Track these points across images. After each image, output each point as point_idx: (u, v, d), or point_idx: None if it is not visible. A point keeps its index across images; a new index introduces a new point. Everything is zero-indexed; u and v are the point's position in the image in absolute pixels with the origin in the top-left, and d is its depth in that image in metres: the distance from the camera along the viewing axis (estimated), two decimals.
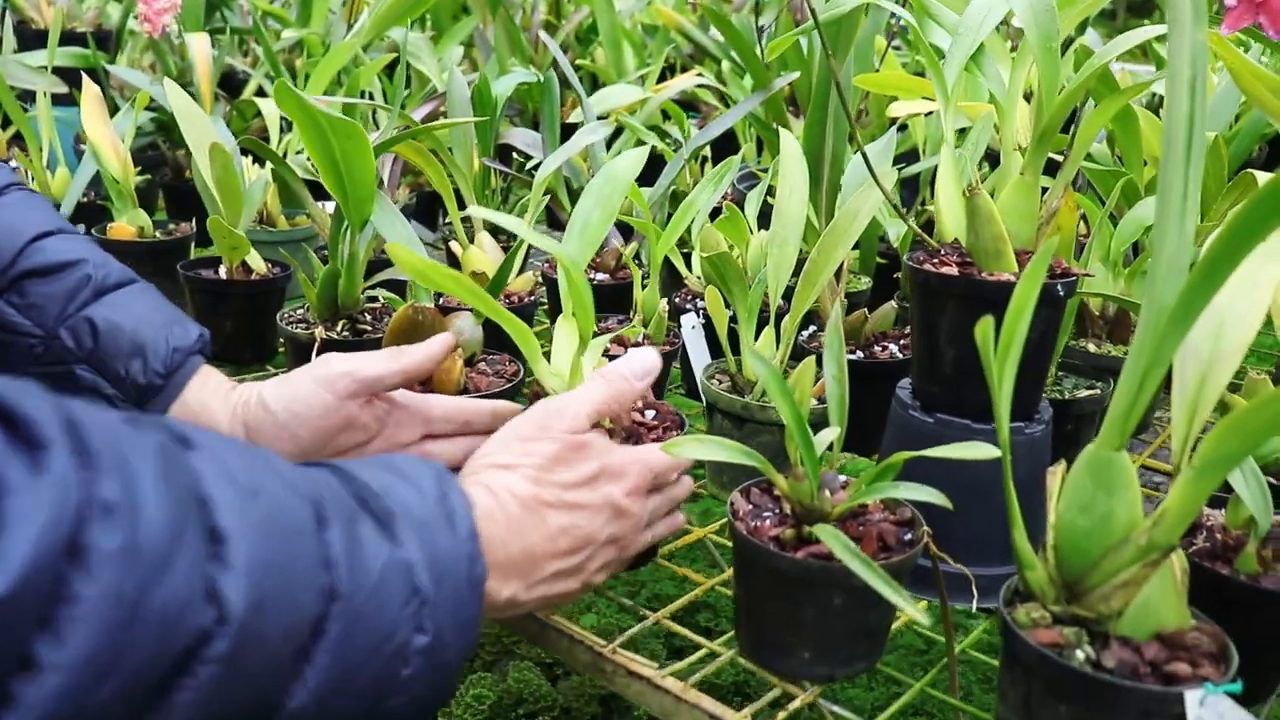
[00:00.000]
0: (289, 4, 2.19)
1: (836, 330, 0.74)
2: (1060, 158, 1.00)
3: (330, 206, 1.46)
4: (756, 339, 0.95)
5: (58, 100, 1.67)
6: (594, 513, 0.67)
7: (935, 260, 0.80)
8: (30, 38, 1.89)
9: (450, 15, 2.13)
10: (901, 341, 1.05)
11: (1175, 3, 0.56)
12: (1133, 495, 0.57)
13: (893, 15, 1.08)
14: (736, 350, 0.96)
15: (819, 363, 0.88)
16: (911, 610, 0.57)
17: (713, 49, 1.85)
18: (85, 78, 1.44)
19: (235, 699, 0.43)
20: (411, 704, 0.51)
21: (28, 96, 1.74)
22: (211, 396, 0.79)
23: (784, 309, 0.92)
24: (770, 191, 1.16)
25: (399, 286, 1.16)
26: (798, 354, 0.97)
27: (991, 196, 0.81)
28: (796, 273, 0.91)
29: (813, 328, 1.09)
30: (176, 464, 0.44)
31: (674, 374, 1.16)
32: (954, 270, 0.78)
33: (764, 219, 1.15)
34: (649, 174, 1.81)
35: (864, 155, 0.83)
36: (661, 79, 1.90)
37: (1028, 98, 1.01)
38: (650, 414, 0.82)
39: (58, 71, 1.77)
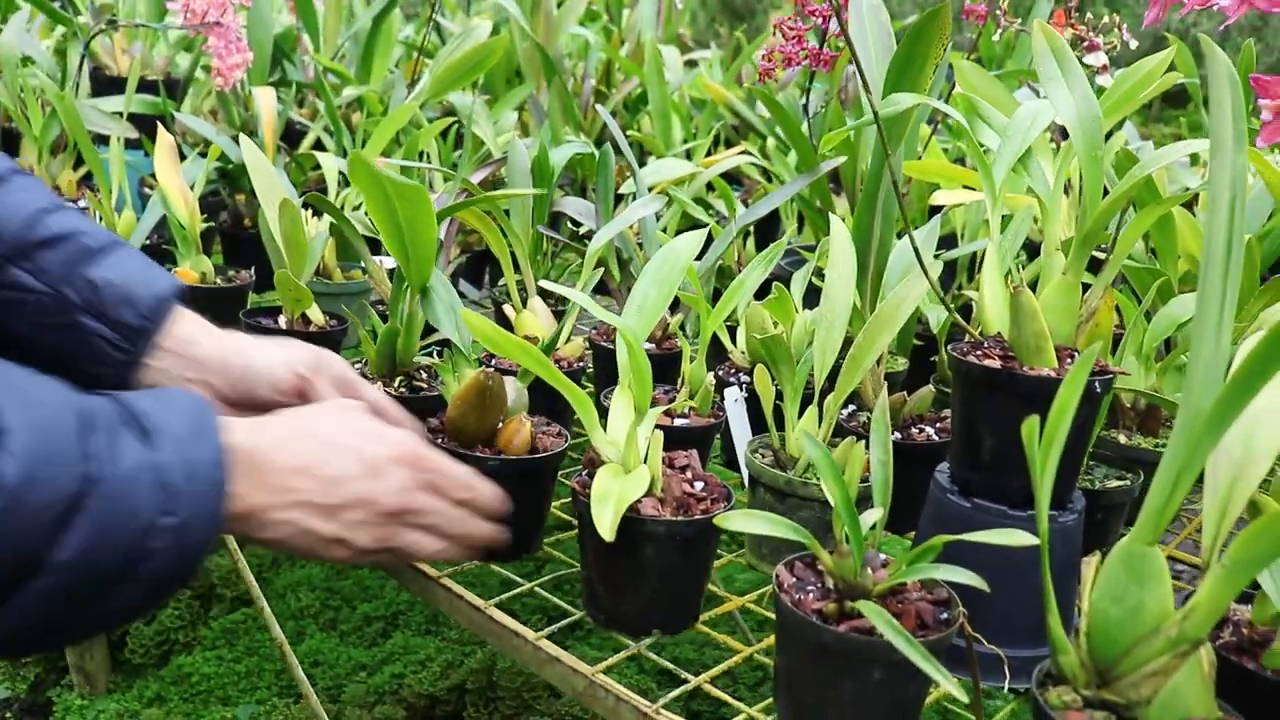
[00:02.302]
0: (344, 56, 2.26)
1: (883, 416, 0.78)
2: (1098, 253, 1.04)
3: (386, 262, 1.52)
4: (799, 416, 0.99)
5: (124, 144, 1.74)
6: (345, 457, 0.79)
7: (979, 352, 0.84)
8: (104, 83, 1.96)
9: (504, 79, 2.20)
10: (938, 424, 1.09)
11: (1217, 128, 0.60)
12: (1164, 590, 0.60)
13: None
14: (780, 426, 1.00)
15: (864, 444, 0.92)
16: (952, 687, 0.60)
17: (758, 125, 1.91)
18: (160, 127, 1.50)
19: (7, 543, 0.60)
20: (162, 570, 0.67)
21: (99, 139, 1.81)
22: (197, 332, 0.97)
23: (827, 388, 0.96)
24: (816, 273, 1.21)
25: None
26: (837, 432, 1.01)
27: (1031, 288, 0.85)
28: (841, 354, 0.95)
29: (852, 407, 1.13)
30: None
31: (715, 445, 1.19)
32: (996, 363, 0.81)
33: (808, 298, 1.19)
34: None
35: (916, 249, 0.88)
36: (707, 152, 1.95)
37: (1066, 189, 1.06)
38: (699, 485, 0.86)
39: (126, 117, 1.84)
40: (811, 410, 0.98)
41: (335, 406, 0.85)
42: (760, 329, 1.17)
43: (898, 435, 1.07)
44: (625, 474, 0.81)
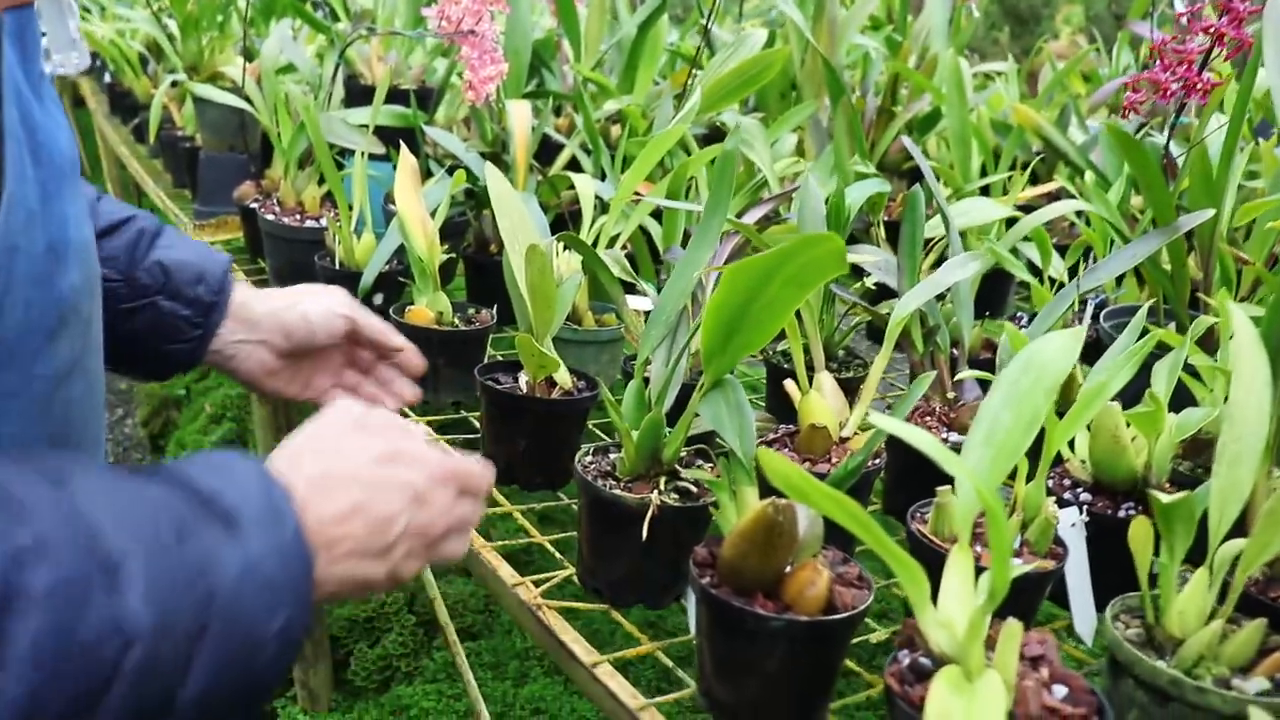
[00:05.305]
0: (605, 64, 2.10)
1: None
2: None
3: (640, 303, 1.33)
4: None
5: (371, 156, 1.62)
6: (389, 491, 0.67)
7: None
8: (359, 93, 1.86)
9: (778, 94, 1.99)
10: None
11: None
12: None
13: None
14: (1155, 583, 0.75)
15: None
16: None
17: (1074, 156, 1.62)
18: (403, 145, 1.37)
19: (145, 690, 0.51)
20: (265, 683, 0.59)
21: (346, 153, 1.71)
22: (250, 297, 1.00)
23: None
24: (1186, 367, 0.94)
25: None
26: (1244, 606, 0.75)
27: None
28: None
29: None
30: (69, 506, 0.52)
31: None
32: None
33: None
34: (987, 294, 1.60)
35: None
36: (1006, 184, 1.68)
37: None
38: (1061, 692, 0.62)
39: (375, 129, 1.73)
40: (1202, 573, 0.73)
41: (359, 419, 0.72)
42: (1113, 435, 0.92)
43: None
44: (968, 683, 0.58)
